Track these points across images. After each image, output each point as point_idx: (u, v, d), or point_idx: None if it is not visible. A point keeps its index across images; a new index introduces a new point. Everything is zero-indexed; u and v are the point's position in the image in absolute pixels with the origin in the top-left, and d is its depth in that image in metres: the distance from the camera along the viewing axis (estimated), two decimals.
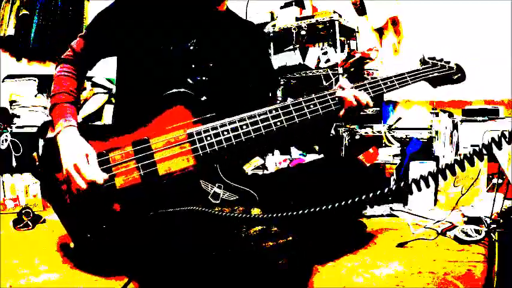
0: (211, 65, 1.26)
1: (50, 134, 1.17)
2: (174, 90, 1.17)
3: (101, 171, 1.09)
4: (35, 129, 1.28)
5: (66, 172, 1.09)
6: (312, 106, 1.18)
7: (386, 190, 0.76)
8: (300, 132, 1.28)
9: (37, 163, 1.17)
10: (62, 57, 1.29)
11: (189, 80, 1.23)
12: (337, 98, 1.20)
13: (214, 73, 1.26)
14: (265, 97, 1.42)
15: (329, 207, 0.78)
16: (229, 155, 1.15)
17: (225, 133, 1.13)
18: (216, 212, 0.98)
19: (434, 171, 0.75)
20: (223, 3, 1.31)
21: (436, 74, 1.32)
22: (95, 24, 1.30)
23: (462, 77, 1.33)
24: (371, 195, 0.79)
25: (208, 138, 1.13)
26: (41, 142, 1.18)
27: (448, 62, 1.35)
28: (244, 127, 1.14)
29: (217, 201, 1.12)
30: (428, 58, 1.36)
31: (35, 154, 1.16)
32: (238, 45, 1.34)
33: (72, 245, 1.25)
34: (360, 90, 1.22)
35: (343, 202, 0.77)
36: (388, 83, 1.25)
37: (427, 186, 0.76)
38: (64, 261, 1.32)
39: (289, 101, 1.18)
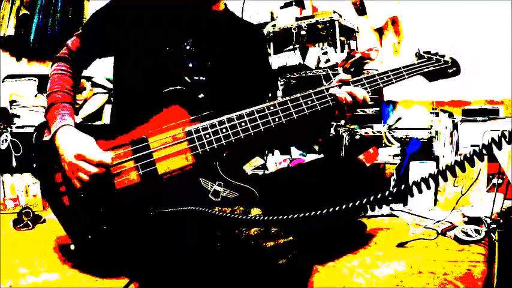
0: (209, 64, 1.26)
1: (46, 137, 1.16)
2: (171, 89, 1.17)
3: (106, 152, 1.09)
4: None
5: (69, 167, 1.09)
6: (309, 102, 1.17)
7: (387, 193, 0.76)
8: (300, 130, 1.27)
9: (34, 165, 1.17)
10: (58, 55, 1.29)
11: (186, 78, 1.22)
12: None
13: (212, 72, 1.26)
14: (264, 96, 1.42)
15: (329, 211, 0.78)
16: (228, 152, 1.15)
17: (224, 131, 1.12)
18: (217, 213, 0.98)
19: (435, 172, 0.75)
20: (220, 2, 1.31)
21: (431, 68, 1.32)
22: (91, 23, 1.29)
23: (457, 71, 1.33)
24: (372, 198, 0.78)
25: (207, 136, 1.12)
26: (38, 146, 1.17)
27: (443, 56, 1.35)
28: (242, 124, 1.13)
29: (218, 199, 1.12)
30: (424, 52, 1.36)
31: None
32: (236, 44, 1.34)
33: (72, 246, 1.24)
34: (356, 85, 1.21)
35: (344, 206, 0.76)
36: (385, 77, 1.25)
37: (428, 187, 0.76)
38: (64, 261, 1.32)
39: (286, 98, 1.17)
